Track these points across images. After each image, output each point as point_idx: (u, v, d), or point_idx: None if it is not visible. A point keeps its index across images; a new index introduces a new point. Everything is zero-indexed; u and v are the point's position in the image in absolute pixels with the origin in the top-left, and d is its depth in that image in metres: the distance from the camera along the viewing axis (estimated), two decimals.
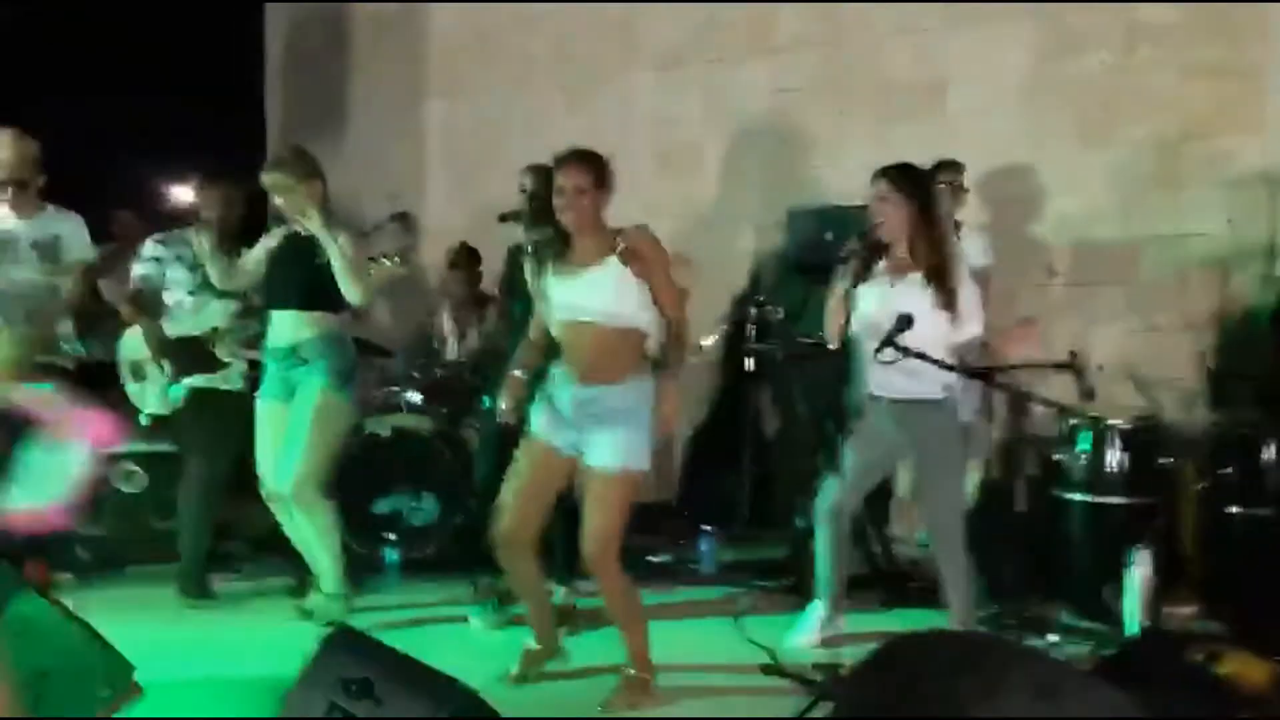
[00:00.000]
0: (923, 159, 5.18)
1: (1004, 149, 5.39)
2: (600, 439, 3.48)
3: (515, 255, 4.63)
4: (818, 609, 4.09)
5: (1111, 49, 5.24)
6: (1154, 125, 5.16)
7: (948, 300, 3.74)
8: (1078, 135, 5.31)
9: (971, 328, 3.81)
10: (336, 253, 4.16)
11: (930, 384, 3.77)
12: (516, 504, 3.59)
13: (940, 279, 3.76)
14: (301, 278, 4.24)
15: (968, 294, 3.80)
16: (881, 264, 3.87)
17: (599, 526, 3.44)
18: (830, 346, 4.02)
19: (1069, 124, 5.33)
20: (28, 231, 4.75)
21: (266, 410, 4.32)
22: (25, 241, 4.76)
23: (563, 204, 3.53)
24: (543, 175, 4.65)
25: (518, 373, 3.75)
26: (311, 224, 4.20)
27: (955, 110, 5.54)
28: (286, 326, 4.26)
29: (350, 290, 4.17)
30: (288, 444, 4.17)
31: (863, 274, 3.87)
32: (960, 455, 3.93)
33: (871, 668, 1.77)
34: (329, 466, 4.27)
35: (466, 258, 5.85)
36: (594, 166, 3.55)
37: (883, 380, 3.84)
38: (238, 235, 4.66)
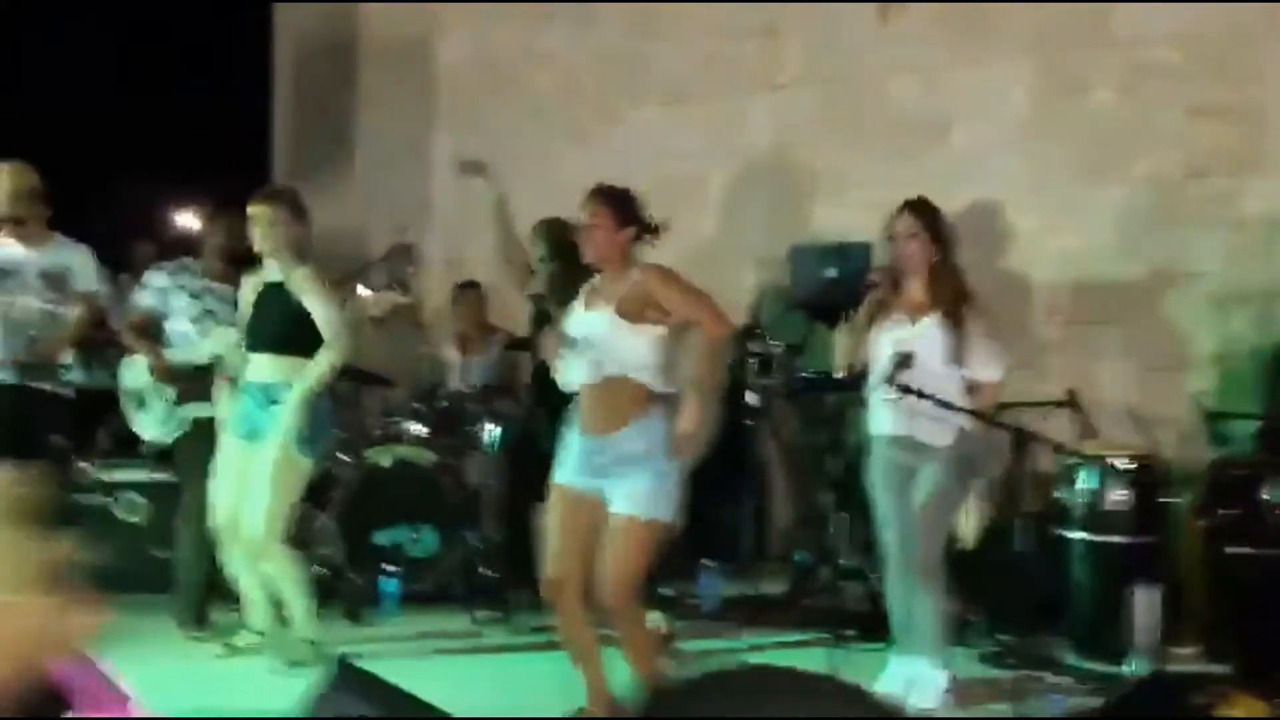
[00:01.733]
0: (926, 194, 5.24)
1: (1006, 186, 5.41)
2: (616, 486, 3.42)
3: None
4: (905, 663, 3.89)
5: (1114, 88, 5.28)
6: (1155, 164, 5.19)
7: (963, 341, 3.73)
8: (1080, 173, 5.34)
9: (991, 371, 3.79)
10: (318, 304, 4.14)
11: (935, 428, 3.76)
12: (558, 553, 3.51)
13: (958, 319, 3.75)
14: (274, 321, 4.21)
15: (978, 336, 3.78)
16: (894, 301, 3.87)
17: (614, 575, 3.37)
18: (837, 375, 4.01)
19: (1071, 162, 5.36)
20: (35, 261, 4.78)
21: (229, 446, 4.25)
22: (32, 271, 4.79)
23: (583, 238, 3.57)
24: (555, 231, 4.70)
25: None
26: (276, 268, 4.19)
27: (958, 147, 5.57)
28: (261, 367, 4.22)
29: (333, 344, 4.13)
30: (252, 497, 4.11)
31: (881, 309, 3.87)
32: (953, 502, 3.90)
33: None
34: (290, 519, 4.19)
35: (470, 292, 5.89)
36: (610, 200, 3.56)
37: (889, 420, 3.83)
38: (242, 264, 4.68)
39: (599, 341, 3.46)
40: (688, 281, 3.53)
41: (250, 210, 4.23)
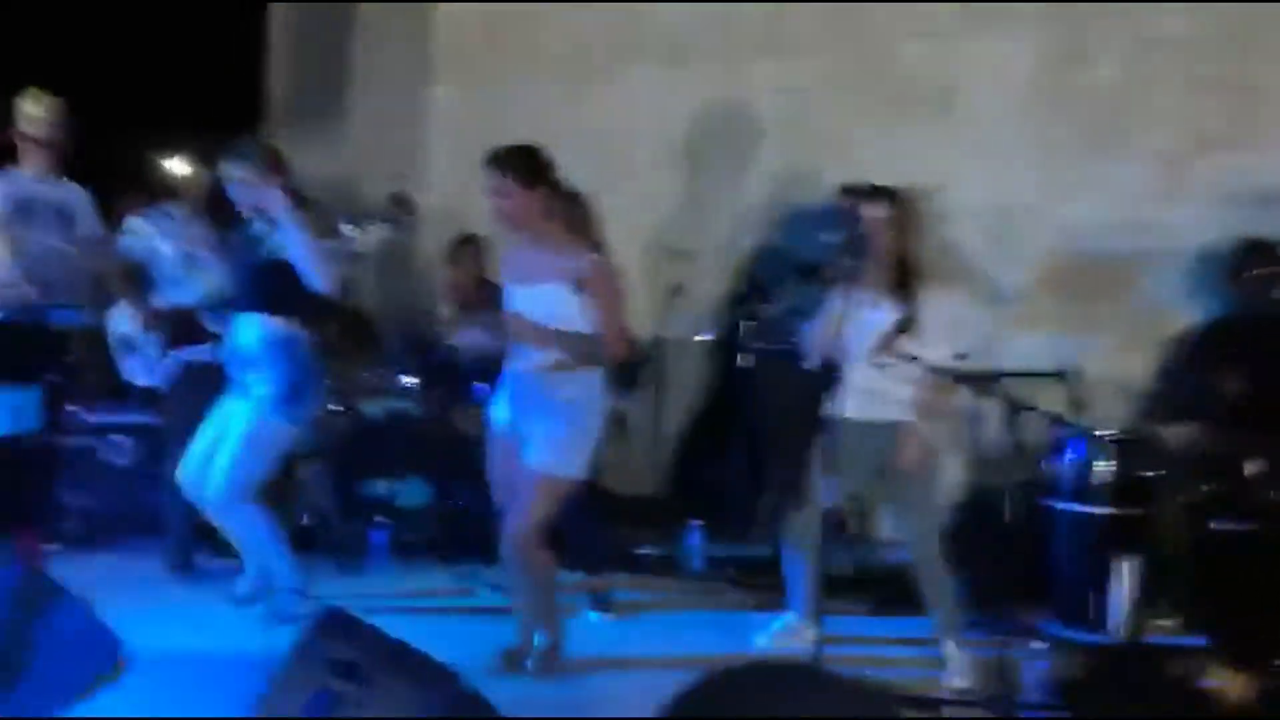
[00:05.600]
0: (929, 162, 5.23)
1: (1009, 155, 5.39)
2: (534, 433, 3.51)
3: None
4: (789, 618, 4.09)
5: (1120, 60, 5.25)
6: (1161, 138, 5.17)
7: (909, 325, 3.80)
8: (1084, 145, 5.31)
9: (942, 349, 3.83)
10: (299, 240, 4.01)
11: (898, 407, 3.85)
12: (505, 505, 3.61)
13: (910, 300, 3.82)
14: (250, 278, 4.13)
15: (935, 317, 3.84)
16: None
17: (519, 524, 3.49)
18: (807, 365, 4.03)
19: (1076, 133, 5.33)
20: (49, 196, 4.68)
21: (225, 400, 4.19)
22: (47, 206, 4.68)
23: (493, 215, 3.61)
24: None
25: None
26: (268, 215, 4.07)
27: (962, 115, 5.53)
28: (240, 327, 4.14)
29: (315, 276, 4.01)
30: (220, 454, 4.03)
31: (847, 292, 3.88)
32: (932, 473, 3.98)
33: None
34: (259, 486, 4.10)
35: (468, 247, 5.79)
36: (512, 165, 3.54)
37: (854, 403, 3.85)
38: (228, 212, 4.63)
39: (554, 318, 3.51)
40: (618, 293, 3.58)
41: (222, 173, 4.13)
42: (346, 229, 4.93)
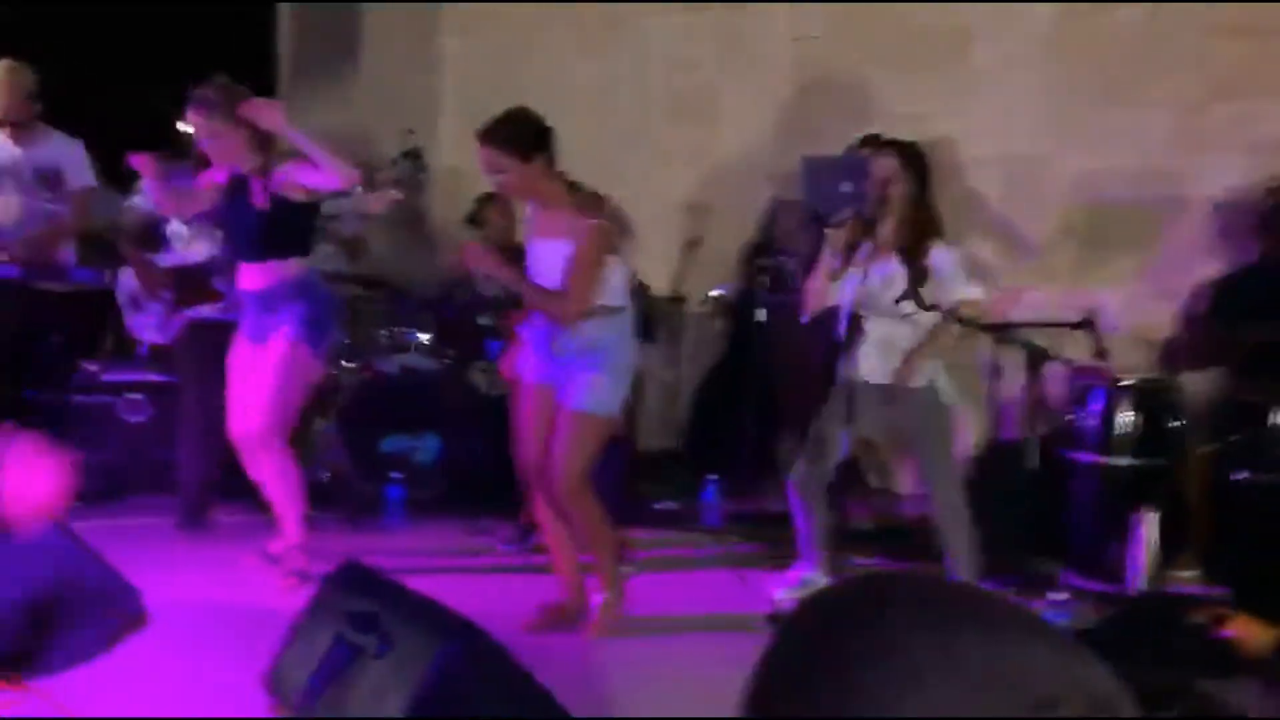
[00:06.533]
0: (944, 110, 5.15)
1: (1025, 103, 5.31)
2: (570, 379, 3.53)
3: None
4: (801, 569, 4.06)
5: (1137, 6, 5.14)
6: (1177, 86, 5.08)
7: (921, 278, 3.75)
8: (1100, 93, 5.23)
9: (961, 292, 3.79)
10: (304, 142, 3.83)
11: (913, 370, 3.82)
12: (529, 441, 3.63)
13: (923, 252, 3.78)
14: (252, 225, 3.99)
15: (951, 260, 3.80)
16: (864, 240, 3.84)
17: (563, 467, 3.50)
18: (803, 320, 3.99)
19: (1092, 81, 5.25)
20: (31, 158, 4.74)
21: (239, 351, 4.14)
22: (28, 168, 4.74)
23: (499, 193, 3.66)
24: None
25: None
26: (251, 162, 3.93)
27: (977, 62, 5.44)
28: (252, 275, 4.05)
29: (332, 173, 3.82)
30: (254, 391, 4.00)
31: (850, 249, 3.82)
32: (950, 430, 3.97)
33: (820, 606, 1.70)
34: (294, 417, 4.11)
35: (491, 209, 5.40)
36: (505, 140, 3.46)
37: (868, 365, 3.84)
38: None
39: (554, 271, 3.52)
40: (593, 263, 3.51)
41: (187, 126, 3.95)
42: (357, 190, 4.89)
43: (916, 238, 3.82)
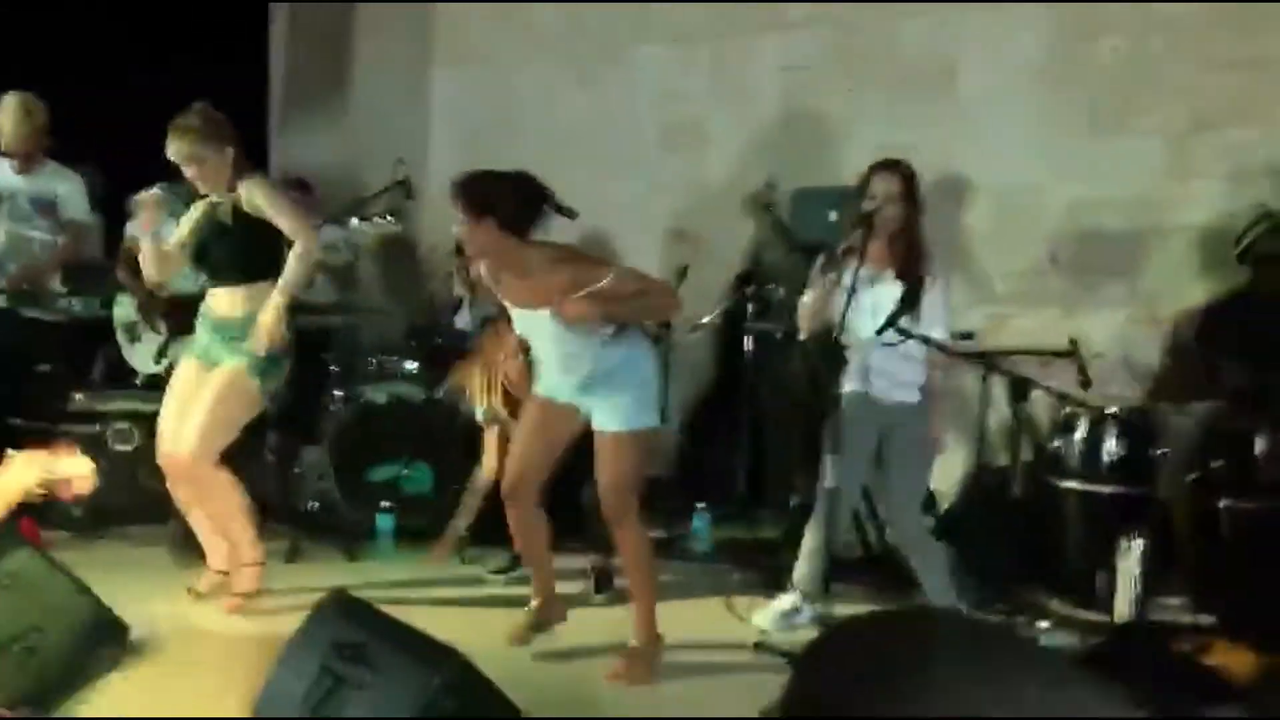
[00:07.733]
0: (932, 140, 5.20)
1: (1013, 132, 5.36)
2: (599, 403, 3.52)
3: None
4: (791, 599, 4.06)
5: (1126, 36, 5.20)
6: (1166, 115, 5.13)
7: (914, 300, 3.79)
8: (1088, 122, 5.28)
9: (935, 330, 3.83)
10: (271, 209, 3.86)
11: (908, 389, 3.87)
12: (523, 454, 3.63)
13: (912, 278, 3.82)
14: (225, 251, 3.98)
15: (935, 297, 3.85)
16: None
17: (608, 483, 3.48)
18: (800, 337, 4.02)
19: (1080, 110, 5.29)
20: (28, 187, 4.78)
21: (184, 367, 4.09)
22: (26, 197, 4.78)
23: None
24: None
25: None
26: (224, 205, 3.94)
27: (966, 92, 5.49)
28: (220, 301, 4.03)
29: (297, 241, 3.87)
30: (193, 415, 3.92)
31: (846, 267, 3.85)
32: (927, 455, 3.97)
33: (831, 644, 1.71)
34: (225, 443, 3.98)
35: None
36: (463, 194, 3.38)
37: (865, 380, 3.86)
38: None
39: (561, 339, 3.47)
40: (624, 278, 3.47)
41: (170, 153, 3.89)
42: (353, 223, 4.91)
43: (910, 259, 3.85)
